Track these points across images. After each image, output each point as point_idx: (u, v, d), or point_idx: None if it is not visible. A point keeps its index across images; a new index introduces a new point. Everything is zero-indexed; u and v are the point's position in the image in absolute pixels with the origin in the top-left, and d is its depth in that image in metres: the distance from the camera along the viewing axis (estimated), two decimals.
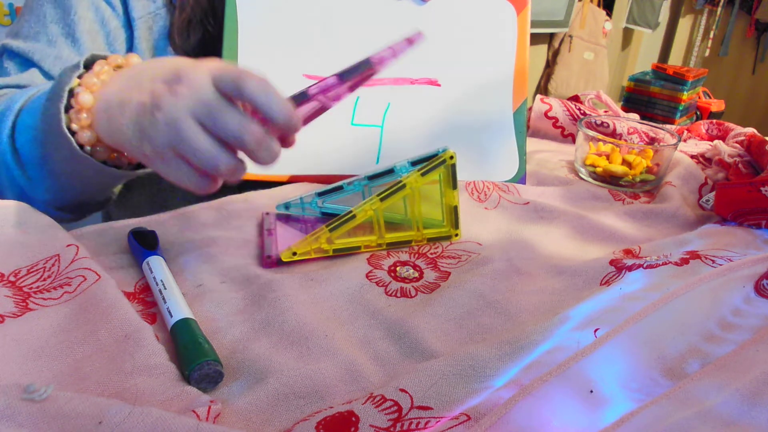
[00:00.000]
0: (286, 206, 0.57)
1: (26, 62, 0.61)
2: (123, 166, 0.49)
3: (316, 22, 0.65)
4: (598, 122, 0.83)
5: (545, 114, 0.92)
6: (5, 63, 0.61)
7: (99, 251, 0.48)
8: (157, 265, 0.45)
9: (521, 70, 0.70)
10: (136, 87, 0.43)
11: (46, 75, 0.61)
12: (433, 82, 0.68)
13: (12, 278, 0.42)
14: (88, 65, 0.48)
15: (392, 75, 0.67)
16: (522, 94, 0.70)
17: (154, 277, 0.44)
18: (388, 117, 0.67)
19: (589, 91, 1.03)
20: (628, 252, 0.54)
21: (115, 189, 0.57)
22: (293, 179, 0.64)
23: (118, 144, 0.45)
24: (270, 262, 0.49)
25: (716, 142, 0.86)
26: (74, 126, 0.46)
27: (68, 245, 0.44)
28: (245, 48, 0.63)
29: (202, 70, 0.41)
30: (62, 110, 0.45)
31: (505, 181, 0.68)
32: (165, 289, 0.42)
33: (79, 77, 0.47)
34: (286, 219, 0.56)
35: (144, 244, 0.48)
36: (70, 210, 0.55)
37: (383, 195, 0.51)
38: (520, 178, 0.69)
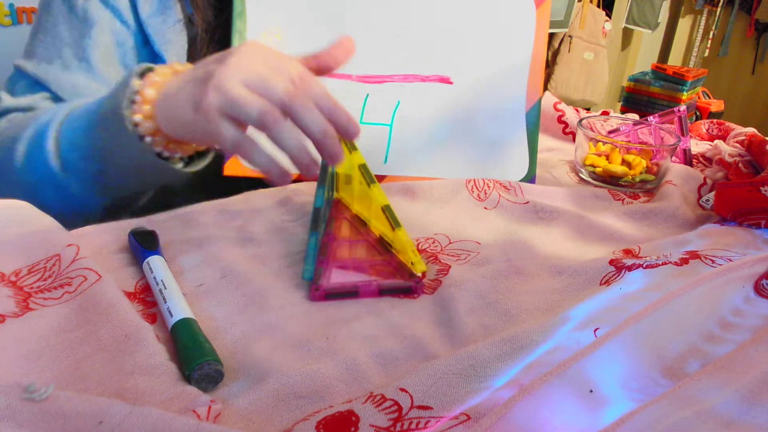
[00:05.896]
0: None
1: (37, 84, 0.61)
2: (175, 161, 0.53)
3: (326, 18, 0.64)
4: (598, 122, 0.83)
5: (554, 106, 0.91)
6: (17, 83, 0.62)
7: (99, 251, 0.48)
8: (157, 264, 0.45)
9: (537, 68, 0.66)
10: (191, 75, 0.46)
11: (58, 100, 0.61)
12: (445, 80, 0.65)
13: (13, 278, 0.42)
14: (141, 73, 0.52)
15: (403, 72, 0.65)
16: (536, 94, 0.67)
17: (155, 277, 0.44)
18: (398, 115, 0.64)
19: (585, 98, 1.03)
20: (627, 252, 0.54)
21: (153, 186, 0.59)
22: (299, 179, 0.64)
23: (174, 127, 0.48)
24: (318, 295, 0.45)
25: (717, 141, 0.86)
26: (137, 117, 0.49)
27: (69, 245, 0.44)
28: None
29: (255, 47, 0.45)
30: (125, 104, 0.48)
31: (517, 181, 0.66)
32: (165, 288, 0.42)
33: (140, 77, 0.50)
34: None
35: (144, 244, 0.48)
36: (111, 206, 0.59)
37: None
38: (531, 178, 0.67)
